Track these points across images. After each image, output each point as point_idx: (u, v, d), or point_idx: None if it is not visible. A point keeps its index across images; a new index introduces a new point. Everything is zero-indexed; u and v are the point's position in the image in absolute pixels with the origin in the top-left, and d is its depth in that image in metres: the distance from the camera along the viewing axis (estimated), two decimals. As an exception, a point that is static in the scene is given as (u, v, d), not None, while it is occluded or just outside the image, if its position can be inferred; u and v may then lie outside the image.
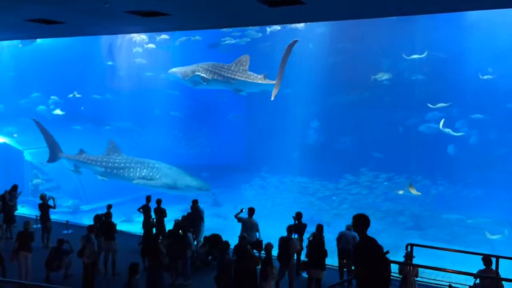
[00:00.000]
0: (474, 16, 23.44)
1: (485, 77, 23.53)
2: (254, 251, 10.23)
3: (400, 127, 26.45)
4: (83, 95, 29.31)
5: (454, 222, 22.38)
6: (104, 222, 11.85)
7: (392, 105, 26.36)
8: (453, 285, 9.25)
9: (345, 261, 10.85)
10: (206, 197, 23.31)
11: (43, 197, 14.03)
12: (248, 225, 11.51)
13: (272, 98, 18.63)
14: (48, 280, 10.83)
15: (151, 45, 29.14)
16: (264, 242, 10.11)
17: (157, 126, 30.45)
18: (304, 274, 10.91)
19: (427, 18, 23.29)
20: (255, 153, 29.44)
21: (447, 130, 22.94)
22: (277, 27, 25.78)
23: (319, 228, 10.41)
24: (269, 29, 26.01)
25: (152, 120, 30.45)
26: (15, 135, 28.84)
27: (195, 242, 12.65)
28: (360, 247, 6.09)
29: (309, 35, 27.16)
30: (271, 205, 24.81)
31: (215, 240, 11.87)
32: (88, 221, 16.65)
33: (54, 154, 21.94)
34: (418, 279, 9.52)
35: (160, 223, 13.28)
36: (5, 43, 29.38)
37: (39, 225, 14.09)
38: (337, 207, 24.24)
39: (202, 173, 24.99)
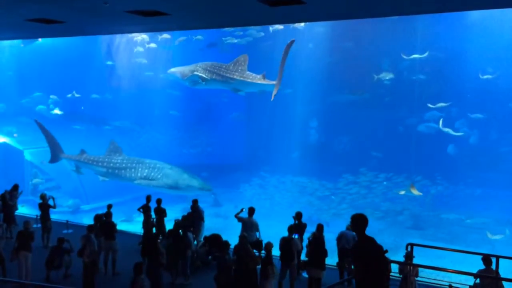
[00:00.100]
0: (474, 15, 23.46)
1: (485, 76, 23.55)
2: (254, 250, 10.23)
3: (399, 127, 26.47)
4: (83, 94, 29.35)
5: (454, 221, 22.40)
6: (104, 222, 11.86)
7: (392, 105, 26.37)
8: (453, 284, 9.25)
9: (345, 261, 10.86)
10: (206, 196, 23.32)
11: (43, 197, 14.01)
12: (248, 225, 11.51)
13: (272, 98, 18.66)
14: (48, 280, 10.83)
15: (153, 45, 29.14)
16: (264, 242, 10.13)
17: (157, 125, 30.49)
18: (304, 274, 10.91)
19: (427, 18, 23.34)
20: (254, 152, 29.48)
21: (446, 129, 22.96)
22: (280, 26, 25.75)
23: (320, 227, 10.41)
24: (271, 28, 26.01)
25: (152, 119, 30.47)
26: (15, 135, 28.85)
27: (195, 242, 12.65)
28: (359, 247, 6.09)
29: (309, 35, 27.20)
30: (270, 205, 24.82)
31: (215, 239, 11.86)
32: (88, 220, 16.67)
33: (55, 154, 21.95)
34: (418, 278, 9.52)
35: (160, 223, 13.29)
36: (7, 42, 29.39)
37: (39, 225, 14.08)
38: (336, 207, 24.25)
39: (202, 172, 25.00)
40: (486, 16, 23.12)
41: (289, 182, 26.81)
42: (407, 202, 23.63)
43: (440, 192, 24.58)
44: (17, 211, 15.33)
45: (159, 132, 30.71)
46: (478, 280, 8.97)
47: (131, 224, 20.56)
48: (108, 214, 12.17)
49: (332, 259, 10.83)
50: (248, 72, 19.33)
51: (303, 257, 10.95)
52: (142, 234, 13.43)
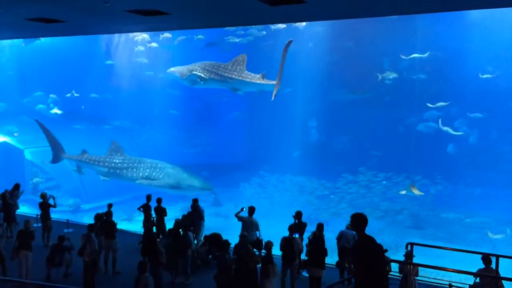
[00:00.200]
0: (474, 15, 23.45)
1: (485, 76, 23.55)
2: (254, 250, 10.24)
3: (399, 126, 26.47)
4: (83, 94, 29.33)
5: (454, 221, 22.43)
6: (104, 221, 11.87)
7: (392, 104, 26.37)
8: (453, 284, 9.25)
9: (345, 260, 10.87)
10: (207, 196, 23.35)
11: (43, 196, 14.02)
12: (248, 224, 11.52)
13: (273, 98, 18.67)
14: (48, 279, 10.85)
15: (154, 44, 29.12)
16: (264, 241, 10.13)
17: (157, 125, 30.50)
18: (304, 273, 10.93)
19: (427, 17, 23.33)
20: (254, 152, 29.50)
21: (446, 128, 22.96)
22: (282, 25, 25.73)
23: (320, 227, 10.41)
24: (273, 27, 25.99)
25: (152, 119, 30.48)
26: (15, 134, 28.85)
27: (196, 241, 12.66)
28: (359, 246, 6.10)
29: (309, 34, 27.20)
30: (269, 204, 24.85)
31: (216, 239, 11.88)
32: (88, 220, 16.67)
33: (57, 155, 21.97)
34: (418, 278, 9.52)
35: (161, 222, 13.31)
36: (8, 42, 29.37)
37: (39, 224, 14.08)
38: (335, 206, 24.29)
39: (203, 172, 25.04)
40: (486, 16, 23.13)
41: (289, 181, 26.85)
42: (407, 201, 23.65)
43: (440, 191, 24.60)
44: (17, 210, 15.34)
45: (159, 131, 30.72)
46: (478, 279, 8.99)
47: (131, 223, 20.60)
48: (109, 213, 12.18)
49: (332, 258, 10.83)
50: (246, 72, 19.37)
51: (303, 256, 10.97)
52: (142, 233, 13.43)
